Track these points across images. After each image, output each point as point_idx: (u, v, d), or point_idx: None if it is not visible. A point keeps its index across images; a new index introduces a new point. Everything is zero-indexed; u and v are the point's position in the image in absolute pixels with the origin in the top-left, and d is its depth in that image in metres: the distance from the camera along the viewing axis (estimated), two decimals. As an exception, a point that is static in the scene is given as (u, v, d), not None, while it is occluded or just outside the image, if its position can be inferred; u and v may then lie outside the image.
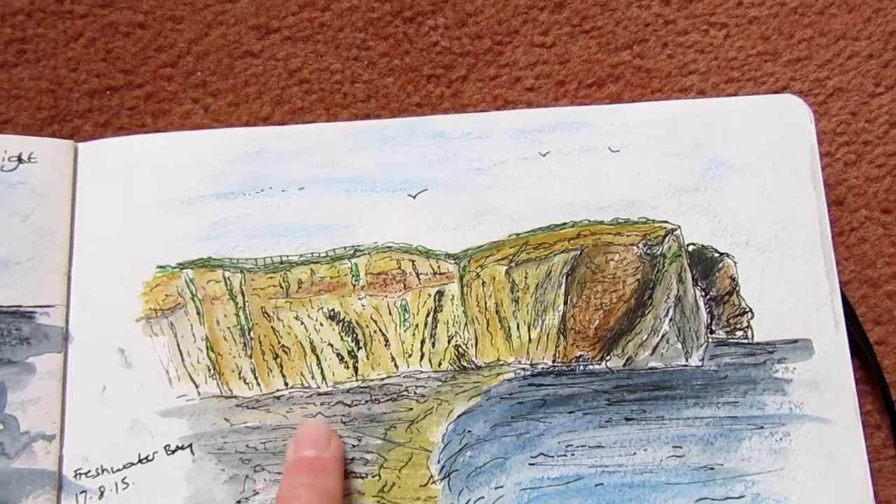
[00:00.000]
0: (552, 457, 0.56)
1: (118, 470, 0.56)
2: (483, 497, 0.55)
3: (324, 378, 0.57)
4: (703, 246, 0.58)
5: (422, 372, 0.57)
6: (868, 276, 0.63)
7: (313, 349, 0.57)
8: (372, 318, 0.58)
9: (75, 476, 0.55)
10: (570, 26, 0.68)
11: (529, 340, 0.58)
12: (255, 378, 0.57)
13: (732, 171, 0.60)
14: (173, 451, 0.56)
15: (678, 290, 0.58)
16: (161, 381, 0.57)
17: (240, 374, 0.57)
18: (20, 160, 0.60)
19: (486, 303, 0.58)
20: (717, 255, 0.58)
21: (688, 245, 0.59)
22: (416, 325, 0.58)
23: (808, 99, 0.64)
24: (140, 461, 0.56)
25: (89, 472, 0.55)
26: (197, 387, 0.57)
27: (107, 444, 0.56)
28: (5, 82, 0.66)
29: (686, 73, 0.67)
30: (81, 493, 0.55)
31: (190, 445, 0.56)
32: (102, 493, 0.55)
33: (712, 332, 0.58)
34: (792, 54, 0.67)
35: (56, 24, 0.67)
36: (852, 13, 0.68)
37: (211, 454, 0.56)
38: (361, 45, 0.67)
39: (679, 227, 0.59)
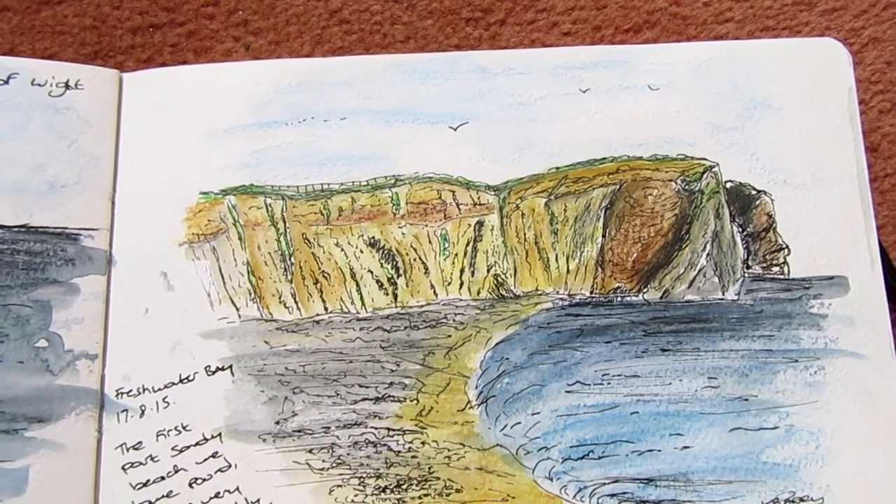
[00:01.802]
0: (588, 385, 0.56)
1: (159, 389, 0.56)
2: (520, 423, 0.56)
3: (363, 304, 0.58)
4: (740, 183, 0.59)
5: (461, 300, 0.58)
6: (902, 221, 0.63)
7: (353, 275, 0.58)
8: (412, 246, 0.58)
9: (117, 395, 0.56)
10: (609, -28, 0.68)
11: (568, 271, 0.58)
12: (295, 302, 0.58)
13: (771, 111, 0.60)
14: (213, 372, 0.56)
15: (715, 226, 0.59)
16: (202, 303, 0.57)
17: (280, 298, 0.58)
18: (67, 87, 0.61)
19: (525, 234, 0.59)
20: (754, 192, 0.59)
21: (725, 182, 0.59)
22: (456, 254, 0.58)
23: (845, 47, 0.64)
24: (181, 381, 0.56)
25: (131, 391, 0.56)
26: (238, 310, 0.57)
27: (148, 364, 0.56)
28: (50, 18, 0.67)
29: (722, 20, 0.67)
30: (123, 411, 0.56)
31: (230, 367, 0.57)
32: (143, 411, 0.56)
33: (749, 267, 0.58)
34: (828, 3, 0.68)
35: (101, -40, 0.68)
36: (890, -37, 0.68)
37: (251, 376, 0.56)
38: (402, -14, 0.68)
39: (717, 164, 0.59)
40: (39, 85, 0.60)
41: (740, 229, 0.58)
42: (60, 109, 0.60)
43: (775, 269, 0.58)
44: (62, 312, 0.57)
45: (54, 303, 0.57)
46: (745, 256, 0.58)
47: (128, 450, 0.55)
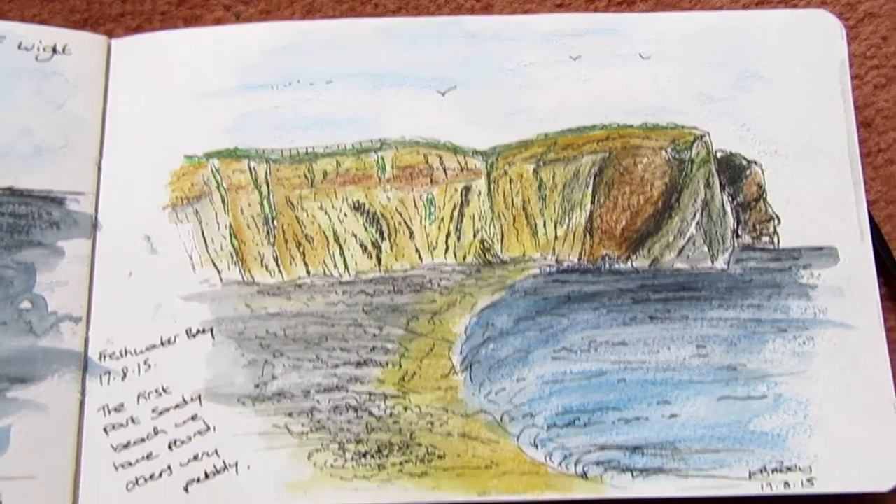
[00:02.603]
0: (575, 352, 0.55)
1: (141, 352, 0.56)
2: (504, 389, 0.55)
3: (346, 267, 0.57)
4: (731, 153, 0.58)
5: (446, 264, 0.57)
6: (895, 196, 0.62)
7: (336, 239, 0.58)
8: (397, 210, 0.58)
9: (100, 357, 0.56)
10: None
11: (556, 237, 0.57)
12: (278, 266, 0.57)
13: (763, 82, 0.60)
14: (194, 335, 0.56)
15: (705, 195, 0.58)
16: (185, 267, 0.57)
17: (262, 261, 0.57)
18: (55, 51, 0.60)
19: (513, 199, 0.58)
20: (745, 162, 0.58)
21: (716, 151, 0.59)
22: (442, 219, 0.58)
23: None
24: (162, 344, 0.56)
25: (113, 353, 0.56)
26: (220, 273, 0.57)
27: (131, 326, 0.56)
28: (40, -14, 0.67)
29: (717, -6, 0.67)
30: (105, 373, 0.55)
31: (211, 330, 0.56)
32: (125, 374, 0.55)
33: (738, 236, 0.57)
34: (824, -22, 0.67)
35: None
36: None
37: (231, 339, 0.56)
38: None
39: (708, 133, 0.59)
40: (27, 49, 0.60)
41: (730, 199, 0.58)
42: (48, 74, 0.60)
43: (765, 238, 0.57)
44: (46, 275, 0.56)
45: (38, 265, 0.56)
46: (735, 226, 0.57)
47: (109, 412, 0.55)
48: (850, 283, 0.56)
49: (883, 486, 0.53)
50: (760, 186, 0.58)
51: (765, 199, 0.58)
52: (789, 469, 0.53)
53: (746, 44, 0.60)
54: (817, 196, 0.57)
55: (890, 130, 0.64)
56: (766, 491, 0.53)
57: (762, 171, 0.58)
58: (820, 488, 0.53)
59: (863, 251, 0.57)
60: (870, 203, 0.61)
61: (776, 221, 0.57)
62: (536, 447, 0.54)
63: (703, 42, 0.60)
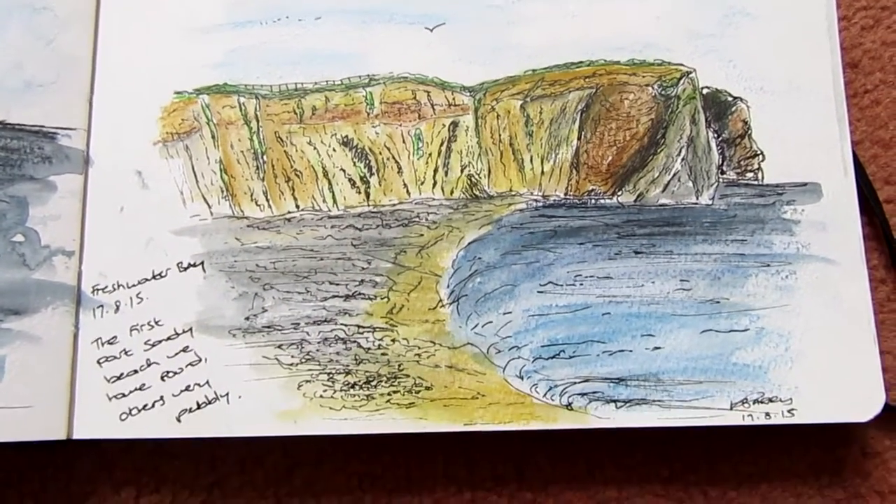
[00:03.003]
0: (561, 286, 0.56)
1: (133, 286, 0.56)
2: (491, 322, 0.56)
3: (335, 202, 0.58)
4: (717, 90, 0.59)
5: (434, 199, 0.58)
6: (880, 137, 0.63)
7: (325, 174, 0.58)
8: (385, 145, 0.58)
9: (93, 291, 0.56)
10: None
11: (542, 173, 0.58)
12: (267, 200, 0.58)
13: (749, 18, 0.60)
14: (185, 269, 0.57)
15: (691, 131, 0.58)
16: (175, 201, 0.58)
17: (252, 195, 0.58)
18: (44, -13, 0.60)
19: (500, 135, 0.59)
20: (730, 98, 0.59)
21: (702, 88, 0.59)
22: (430, 154, 0.58)
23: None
24: (154, 277, 0.56)
25: (106, 287, 0.56)
26: (210, 207, 0.58)
27: (123, 260, 0.57)
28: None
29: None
30: (98, 307, 0.56)
31: (201, 263, 0.57)
32: (118, 307, 0.56)
33: (723, 172, 0.58)
34: (814, -82, 0.67)
35: None
36: None
37: (222, 272, 0.56)
38: None
39: (694, 70, 0.59)
40: (16, -15, 0.60)
41: (716, 135, 0.58)
42: (38, 9, 0.60)
43: (749, 174, 0.58)
44: (39, 209, 0.57)
45: (31, 199, 0.57)
46: (720, 162, 0.58)
47: (103, 344, 0.56)
48: (832, 219, 0.57)
49: (863, 417, 0.54)
50: (745, 123, 0.58)
51: (750, 136, 0.58)
52: (770, 400, 0.54)
53: (733, -20, 0.60)
54: (802, 133, 0.58)
55: (876, 72, 0.64)
56: (748, 421, 0.54)
57: (748, 107, 0.58)
58: (800, 419, 0.54)
59: (845, 187, 0.57)
60: (855, 143, 0.61)
61: (761, 157, 0.58)
62: (522, 379, 0.55)
63: (690, -21, 0.60)
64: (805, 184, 0.57)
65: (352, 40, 0.59)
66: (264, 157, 0.58)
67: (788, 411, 0.54)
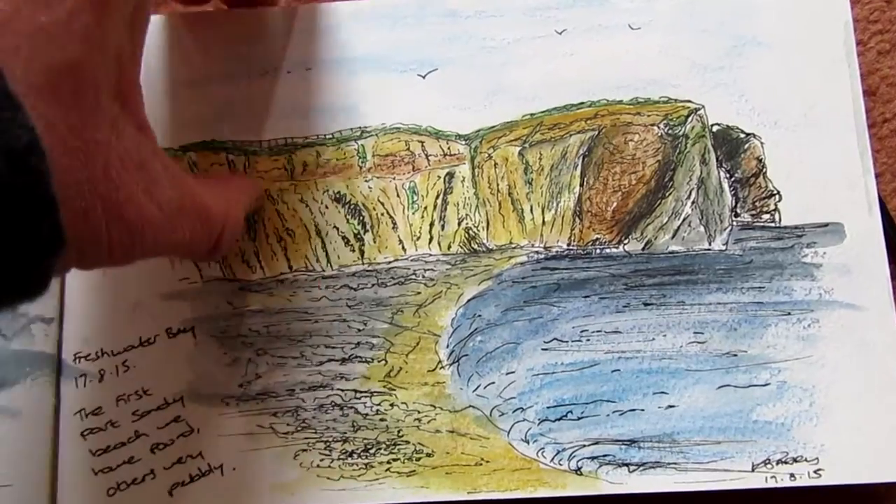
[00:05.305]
0: (566, 342, 0.53)
1: (119, 353, 0.54)
2: (493, 382, 0.53)
3: (329, 261, 0.55)
4: (728, 126, 0.55)
5: (430, 255, 0.55)
6: (903, 167, 0.59)
7: (318, 232, 0.56)
8: (379, 200, 0.56)
9: (75, 359, 0.54)
10: None
11: (543, 223, 0.55)
12: (259, 261, 0.55)
13: (760, 48, 0.56)
14: (175, 335, 0.54)
15: (701, 172, 0.55)
16: (163, 263, 0.56)
17: (243, 257, 0.55)
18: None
19: (498, 184, 0.56)
20: (742, 135, 0.55)
21: (712, 125, 0.56)
22: (425, 208, 0.55)
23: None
24: (141, 344, 0.54)
25: (89, 354, 0.54)
26: (199, 270, 0.56)
27: (107, 326, 0.55)
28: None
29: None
30: (81, 376, 0.54)
31: (192, 329, 0.54)
32: (102, 376, 0.54)
33: (737, 215, 0.54)
34: (827, -63, 0.63)
35: None
36: None
37: (213, 337, 0.54)
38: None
39: (703, 106, 0.56)
40: None
41: (728, 175, 0.55)
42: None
43: (766, 216, 0.54)
44: (17, 275, 0.54)
45: (10, 266, 0.54)
46: (734, 204, 0.55)
47: (87, 415, 0.54)
48: (857, 261, 0.53)
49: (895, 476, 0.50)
50: (760, 161, 0.55)
51: (764, 174, 0.55)
52: (795, 460, 0.51)
53: (741, 8, 0.57)
54: (821, 169, 0.54)
55: (895, 99, 0.60)
56: (771, 483, 0.51)
57: (761, 144, 0.55)
58: (828, 479, 0.51)
59: (870, 226, 0.54)
60: (875, 176, 0.57)
61: (777, 197, 0.54)
62: (528, 442, 0.52)
63: (695, 8, 0.57)
64: (826, 224, 0.54)
65: (342, 91, 0.57)
66: (255, 217, 0.56)
67: (815, 472, 0.51)
